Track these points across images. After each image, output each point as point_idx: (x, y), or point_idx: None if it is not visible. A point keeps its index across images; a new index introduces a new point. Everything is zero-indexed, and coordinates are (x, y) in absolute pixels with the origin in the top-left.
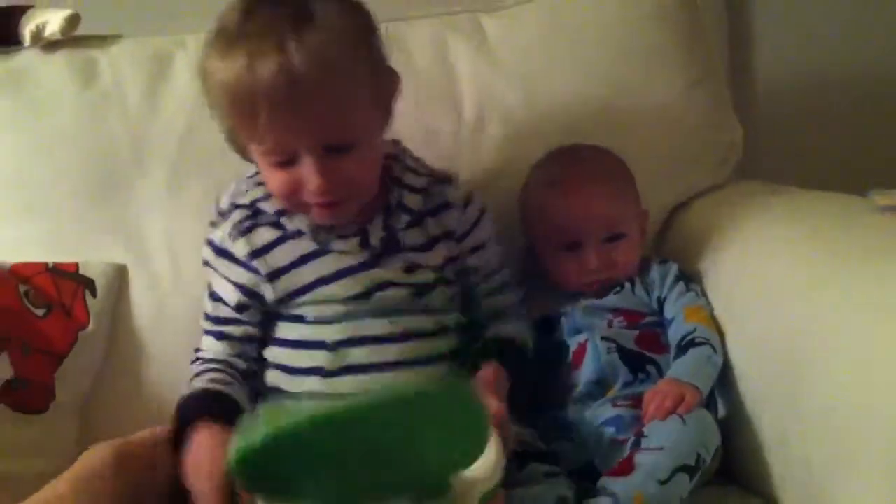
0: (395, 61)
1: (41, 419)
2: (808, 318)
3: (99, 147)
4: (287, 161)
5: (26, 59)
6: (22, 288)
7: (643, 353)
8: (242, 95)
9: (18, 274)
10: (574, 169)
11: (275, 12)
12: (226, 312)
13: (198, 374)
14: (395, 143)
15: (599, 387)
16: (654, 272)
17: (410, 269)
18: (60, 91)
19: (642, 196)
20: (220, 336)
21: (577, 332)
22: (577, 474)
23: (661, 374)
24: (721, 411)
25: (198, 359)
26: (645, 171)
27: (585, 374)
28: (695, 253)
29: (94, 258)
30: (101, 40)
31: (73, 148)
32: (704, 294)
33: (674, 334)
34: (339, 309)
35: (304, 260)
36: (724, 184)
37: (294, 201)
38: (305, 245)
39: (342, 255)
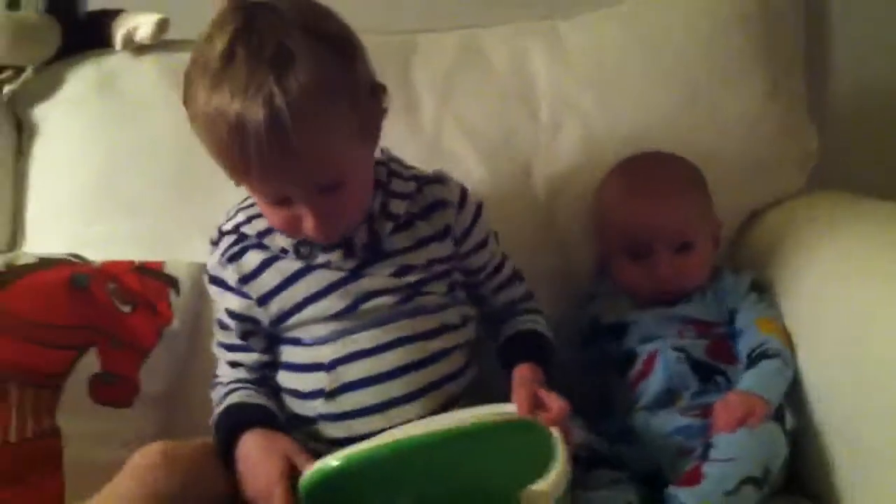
0: (475, 68)
1: (126, 412)
2: (882, 329)
3: (185, 149)
4: (281, 202)
5: (118, 62)
6: (110, 285)
7: (713, 363)
8: (231, 147)
9: (107, 272)
10: (648, 177)
11: (255, 56)
12: (234, 339)
13: (225, 395)
14: (382, 150)
15: (668, 396)
16: (728, 281)
17: (398, 273)
18: (151, 94)
19: (716, 203)
20: (234, 364)
21: (648, 340)
22: (641, 481)
23: (730, 384)
24: (790, 423)
25: (218, 384)
26: (720, 178)
27: (655, 382)
28: (769, 262)
29: (179, 257)
30: (190, 44)
31: (161, 150)
32: (777, 304)
33: (745, 345)
34: (331, 327)
35: (290, 280)
36: (799, 193)
37: (293, 235)
38: (290, 264)
39: (327, 270)
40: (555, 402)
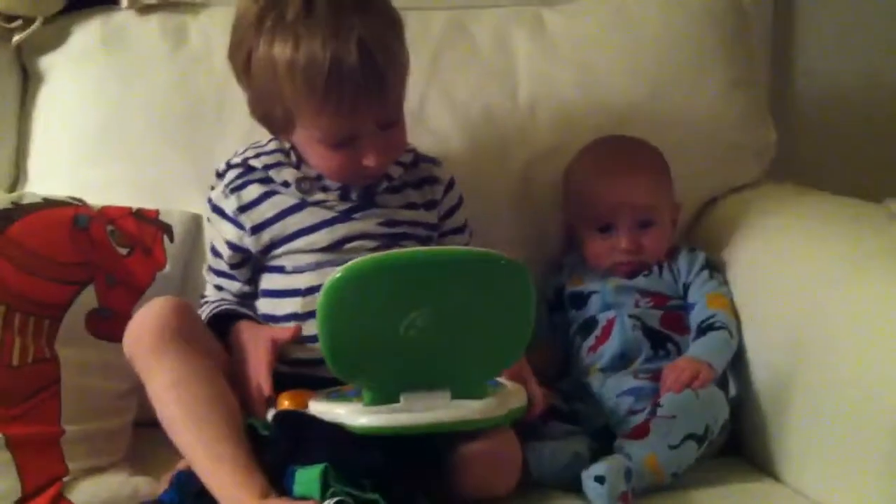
0: (461, 47)
1: (120, 346)
2: (818, 309)
3: (185, 104)
4: (344, 142)
5: (123, 19)
6: (109, 227)
7: (666, 332)
8: (320, 80)
9: (106, 215)
10: (616, 157)
11: (335, 3)
12: (223, 266)
13: (215, 307)
14: None
15: (623, 360)
16: (682, 259)
17: (384, 223)
18: (153, 51)
19: (678, 188)
20: (219, 288)
21: (607, 308)
22: (594, 436)
23: (680, 352)
24: (732, 391)
25: (205, 302)
26: (683, 163)
27: (611, 347)
28: (722, 244)
29: (174, 206)
30: (192, 6)
31: (161, 103)
32: (727, 282)
33: (695, 318)
34: (314, 258)
35: (286, 213)
36: (755, 183)
37: (345, 177)
38: (289, 198)
39: (321, 207)
40: (535, 389)
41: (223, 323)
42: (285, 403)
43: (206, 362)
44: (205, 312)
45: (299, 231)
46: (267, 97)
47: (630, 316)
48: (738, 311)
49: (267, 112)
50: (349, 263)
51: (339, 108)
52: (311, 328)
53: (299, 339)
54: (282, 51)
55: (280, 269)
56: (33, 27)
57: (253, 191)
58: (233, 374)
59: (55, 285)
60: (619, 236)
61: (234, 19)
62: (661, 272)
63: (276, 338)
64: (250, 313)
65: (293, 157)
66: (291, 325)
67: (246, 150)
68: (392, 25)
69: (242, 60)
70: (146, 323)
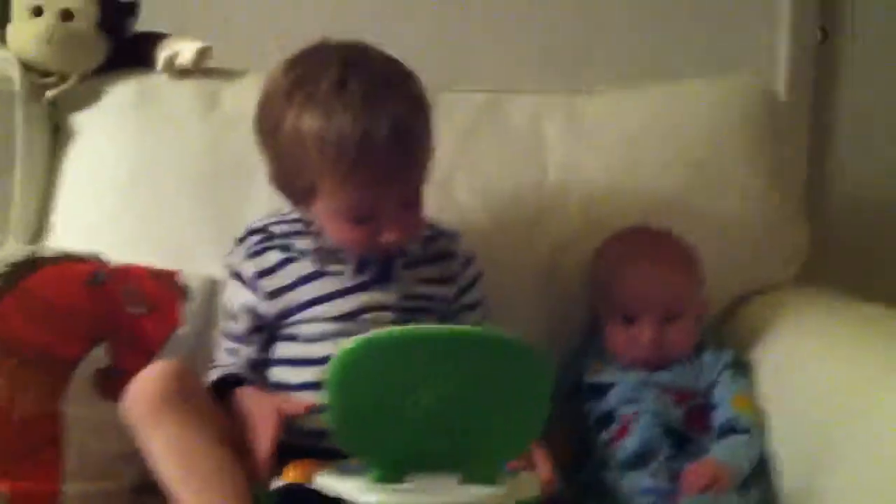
0: (494, 129)
1: None
2: (848, 417)
3: (214, 168)
4: (364, 217)
5: (158, 81)
6: (125, 287)
7: (687, 431)
8: (349, 152)
9: (124, 273)
10: (644, 248)
11: (370, 78)
12: (237, 331)
13: (222, 373)
14: None
15: (642, 457)
16: (709, 356)
17: (401, 297)
18: (186, 113)
19: (708, 283)
20: (232, 352)
21: (628, 402)
22: None
23: (701, 453)
24: (754, 498)
25: (215, 367)
26: (713, 260)
27: (631, 443)
28: (750, 344)
29: (195, 267)
30: (228, 73)
31: (190, 165)
32: (752, 385)
33: (719, 418)
34: (327, 328)
35: (302, 281)
36: (786, 283)
37: (362, 251)
38: (306, 266)
39: (337, 278)
40: (546, 470)
41: (227, 390)
42: (290, 475)
43: (207, 427)
44: (211, 376)
45: (314, 300)
46: (292, 167)
47: (651, 413)
48: (763, 414)
49: (289, 182)
50: (361, 335)
51: (365, 182)
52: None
53: (311, 410)
54: (312, 122)
55: (294, 338)
56: (68, 83)
57: (271, 257)
58: (235, 441)
59: (67, 341)
60: (642, 328)
61: (263, 91)
62: (685, 368)
63: (282, 409)
64: (256, 380)
65: (314, 226)
66: (305, 394)
67: (268, 217)
68: (422, 109)
69: (269, 130)
70: (147, 386)
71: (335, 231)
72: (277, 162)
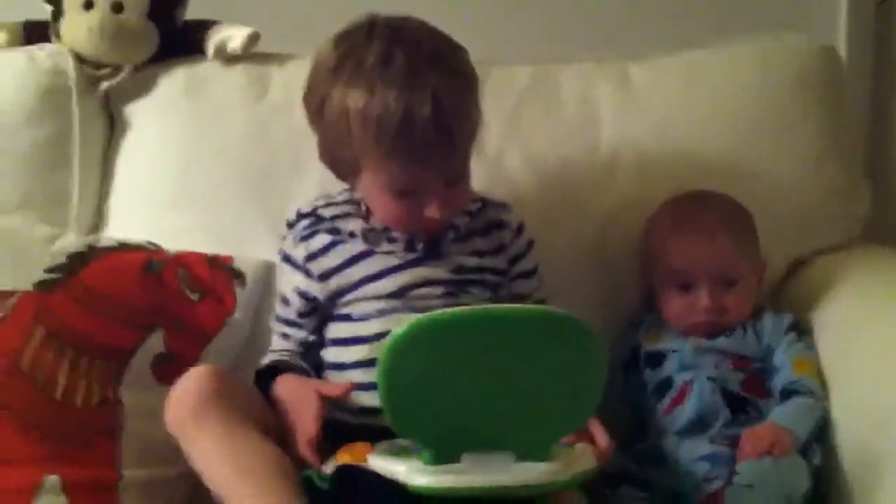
0: (544, 101)
1: None
2: None
3: (263, 155)
4: (407, 192)
5: (209, 69)
6: (181, 273)
7: (746, 396)
8: (391, 128)
9: (180, 261)
10: (698, 212)
11: (415, 54)
12: (291, 315)
13: (269, 360)
14: None
15: (700, 424)
16: (768, 320)
17: (451, 270)
18: (235, 101)
19: (765, 246)
20: (285, 336)
21: (685, 369)
22: (668, 503)
23: (762, 418)
24: (816, 461)
25: (269, 352)
26: (770, 223)
27: (688, 410)
28: (810, 306)
29: (248, 253)
30: (277, 58)
31: (240, 154)
32: (814, 347)
33: (779, 382)
34: (380, 305)
35: (353, 261)
36: (847, 245)
37: (406, 227)
38: (355, 247)
39: (388, 255)
40: (603, 440)
41: (271, 376)
42: (345, 457)
43: (250, 423)
44: (261, 364)
45: (365, 279)
46: (337, 141)
47: (709, 378)
48: (825, 376)
49: (335, 156)
50: (413, 319)
51: (407, 158)
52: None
53: (364, 387)
54: (356, 98)
55: (347, 318)
56: (122, 75)
57: (320, 240)
58: (280, 432)
59: (123, 329)
60: (699, 295)
61: (312, 65)
62: (744, 333)
63: (322, 391)
64: (303, 365)
65: (362, 208)
66: (358, 372)
67: (317, 200)
68: (468, 83)
69: (317, 105)
70: (186, 392)
71: (380, 206)
72: (324, 137)
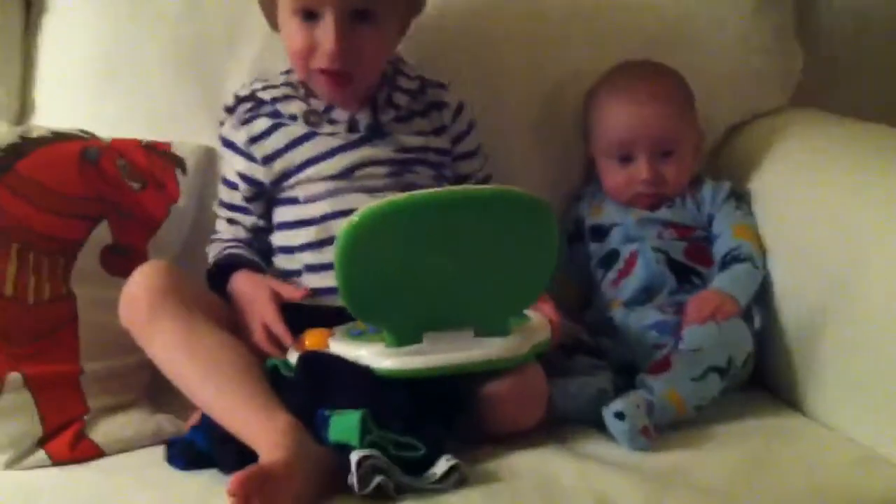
0: None
1: None
2: (850, 239)
3: (195, 34)
4: (311, 15)
5: None
6: (120, 161)
7: (690, 264)
8: None
9: (116, 149)
10: (635, 84)
11: None
12: (237, 200)
13: (223, 249)
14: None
15: (647, 293)
16: (707, 189)
17: (394, 149)
18: None
19: (701, 113)
20: (232, 221)
21: (630, 240)
22: (618, 371)
23: (705, 284)
24: (757, 323)
25: (216, 240)
26: (708, 88)
27: (635, 280)
28: (747, 172)
29: (186, 138)
30: None
31: (170, 34)
32: (752, 213)
33: (720, 249)
34: (326, 186)
35: (295, 143)
36: (780, 109)
37: (304, 61)
38: (297, 129)
39: (331, 136)
40: (553, 312)
41: (225, 275)
42: (307, 343)
43: (205, 317)
44: (210, 254)
45: (309, 160)
46: None
47: (653, 248)
48: (764, 241)
49: None
50: (364, 208)
51: None
52: (327, 255)
53: (315, 269)
54: None
55: (293, 201)
56: None
57: (262, 123)
58: (235, 325)
59: (68, 221)
60: (638, 167)
61: None
62: (684, 203)
63: (278, 292)
64: (255, 259)
65: (301, 90)
66: (306, 255)
67: (253, 83)
68: None
69: None
70: (138, 289)
71: (287, 36)
72: None
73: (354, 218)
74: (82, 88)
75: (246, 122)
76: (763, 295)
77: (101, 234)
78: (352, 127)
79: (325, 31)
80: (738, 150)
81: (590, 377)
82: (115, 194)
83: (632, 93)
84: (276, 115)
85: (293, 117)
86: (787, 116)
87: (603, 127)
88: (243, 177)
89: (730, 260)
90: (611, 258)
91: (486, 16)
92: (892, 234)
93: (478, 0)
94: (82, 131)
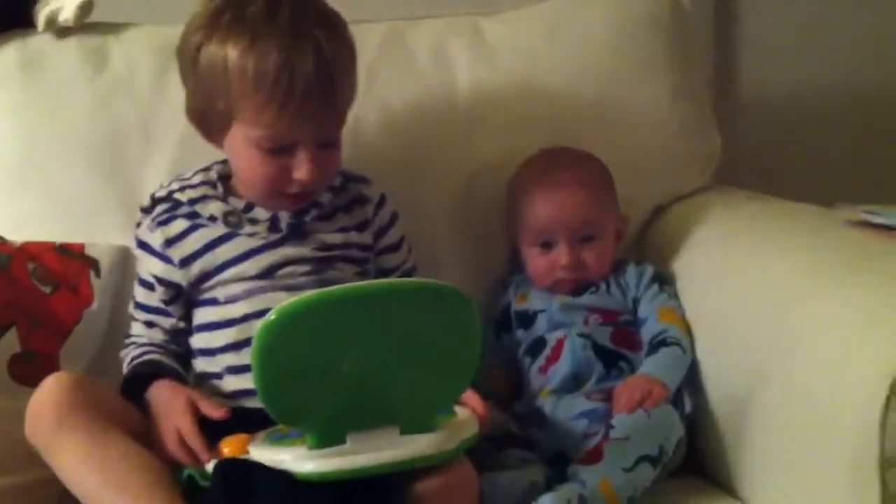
0: (398, 60)
1: None
2: (776, 322)
3: (108, 131)
4: (281, 149)
5: (40, 43)
6: (30, 265)
7: (617, 350)
8: (271, 75)
9: (27, 252)
10: (554, 171)
11: (300, 10)
12: (153, 301)
13: (140, 354)
14: None
15: (575, 381)
16: (630, 273)
17: (316, 248)
18: (73, 76)
19: (623, 197)
20: (150, 324)
21: (556, 327)
22: (549, 462)
23: (633, 370)
24: (687, 408)
25: (132, 343)
26: (627, 173)
27: (562, 368)
28: (671, 255)
29: (100, 238)
30: (114, 27)
31: (83, 131)
32: (678, 295)
33: (646, 333)
34: (246, 286)
35: (215, 244)
36: (703, 189)
37: (272, 188)
38: (216, 230)
39: (250, 237)
40: (479, 405)
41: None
42: (225, 451)
43: (115, 430)
44: (126, 359)
45: (228, 261)
46: (210, 91)
47: (580, 335)
48: (689, 324)
49: (206, 109)
50: (280, 305)
51: (285, 108)
52: (246, 357)
53: (236, 370)
54: (236, 44)
55: (213, 301)
56: None
57: (179, 224)
58: (149, 435)
59: None
60: (559, 252)
61: (191, 16)
62: (608, 287)
63: (196, 402)
64: (174, 366)
65: (220, 189)
66: (227, 356)
67: (171, 183)
68: (350, 49)
69: (191, 55)
70: (45, 402)
71: (247, 164)
72: (196, 89)
73: (270, 316)
74: None
75: (162, 223)
76: (691, 378)
77: (10, 341)
78: (272, 226)
79: (300, 163)
80: (660, 233)
81: (521, 470)
82: (26, 300)
83: (550, 180)
84: (193, 215)
85: (212, 218)
86: (708, 197)
87: (523, 214)
88: (160, 280)
89: (657, 344)
90: (538, 345)
91: (400, 104)
92: (807, 319)
93: (393, 96)
94: None
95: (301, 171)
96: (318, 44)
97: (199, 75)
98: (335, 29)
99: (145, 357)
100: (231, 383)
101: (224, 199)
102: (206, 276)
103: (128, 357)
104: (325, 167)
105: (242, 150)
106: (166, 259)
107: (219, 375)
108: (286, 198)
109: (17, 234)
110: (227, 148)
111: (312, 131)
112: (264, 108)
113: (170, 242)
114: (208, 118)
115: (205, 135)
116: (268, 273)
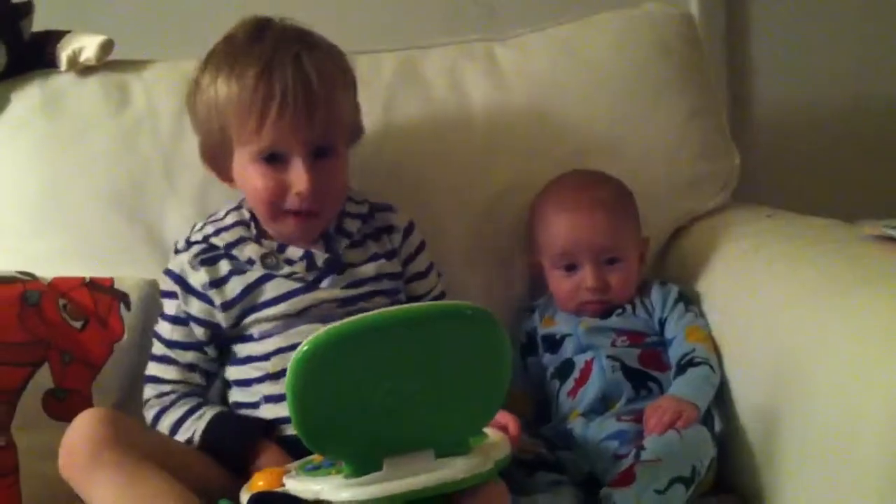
0: (414, 87)
1: None
2: (800, 338)
3: (132, 167)
4: (274, 158)
5: (63, 82)
6: (61, 301)
7: (646, 371)
8: (250, 84)
9: (58, 288)
10: (578, 193)
11: (282, 35)
12: (189, 338)
13: (199, 405)
14: None
15: (604, 402)
16: (655, 294)
17: (350, 285)
18: (96, 114)
19: (644, 220)
20: (192, 368)
21: (583, 350)
22: (580, 485)
23: (662, 390)
24: (717, 426)
25: (167, 392)
26: (647, 195)
27: (591, 390)
28: (694, 274)
29: (128, 272)
30: (134, 65)
31: (107, 168)
32: (703, 314)
33: (674, 353)
34: (279, 323)
35: (253, 286)
36: (722, 207)
37: (273, 203)
38: (255, 273)
39: (288, 279)
40: (512, 426)
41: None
42: (259, 484)
43: (148, 465)
44: (188, 411)
45: (266, 302)
46: (209, 125)
47: (608, 357)
48: (716, 342)
49: (211, 144)
50: (313, 335)
51: (266, 114)
52: (282, 386)
53: (273, 399)
54: (222, 74)
55: (248, 338)
56: None
57: (223, 267)
58: (181, 466)
59: (8, 368)
60: (583, 275)
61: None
62: (634, 309)
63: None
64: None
65: (253, 230)
66: (262, 386)
67: (204, 226)
68: (336, 63)
69: (191, 97)
70: (78, 439)
71: (250, 182)
72: (199, 128)
73: (304, 346)
74: (19, 229)
75: (206, 262)
76: (720, 396)
77: (43, 378)
78: (310, 264)
79: (296, 172)
80: (682, 253)
81: (552, 494)
82: (57, 336)
83: (574, 202)
84: (232, 259)
85: (250, 262)
86: (728, 215)
87: (547, 237)
88: (196, 318)
89: (685, 364)
90: (566, 368)
91: (418, 133)
92: (831, 335)
93: (409, 123)
94: (22, 273)
95: (298, 182)
96: (297, 56)
97: (199, 114)
98: (318, 45)
99: (212, 408)
100: (269, 411)
101: (258, 241)
102: (244, 316)
103: (185, 406)
104: (323, 179)
105: (244, 171)
106: (207, 300)
107: (255, 405)
108: (292, 218)
109: (45, 271)
110: (236, 177)
111: (302, 140)
112: (248, 117)
113: (214, 284)
114: (216, 155)
115: (219, 175)
116: (303, 313)
